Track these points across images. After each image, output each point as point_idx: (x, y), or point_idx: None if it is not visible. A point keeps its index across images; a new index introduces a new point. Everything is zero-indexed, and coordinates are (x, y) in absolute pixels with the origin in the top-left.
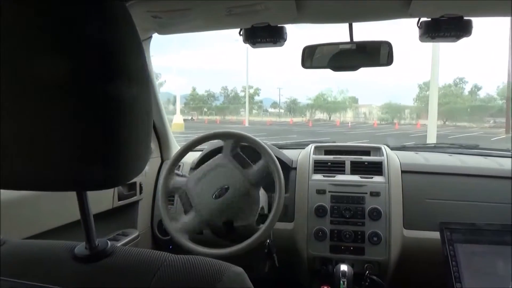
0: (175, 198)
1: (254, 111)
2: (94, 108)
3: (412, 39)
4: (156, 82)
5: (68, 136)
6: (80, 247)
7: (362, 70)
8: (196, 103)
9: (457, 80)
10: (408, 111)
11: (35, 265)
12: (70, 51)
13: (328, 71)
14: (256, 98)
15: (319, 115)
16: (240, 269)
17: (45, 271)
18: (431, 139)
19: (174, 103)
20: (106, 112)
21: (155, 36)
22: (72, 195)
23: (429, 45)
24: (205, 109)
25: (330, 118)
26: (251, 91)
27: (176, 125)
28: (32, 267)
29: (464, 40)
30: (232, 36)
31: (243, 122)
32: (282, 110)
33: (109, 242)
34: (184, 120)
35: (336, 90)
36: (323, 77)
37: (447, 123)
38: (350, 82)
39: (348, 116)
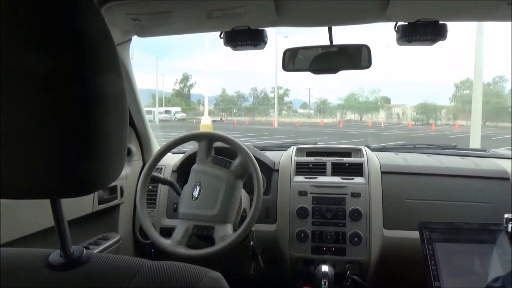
0: (156, 201)
1: (283, 112)
2: (64, 107)
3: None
4: (188, 83)
5: (39, 141)
6: (54, 255)
7: (396, 69)
8: (225, 104)
9: (497, 79)
10: (444, 111)
11: (7, 273)
12: (39, 47)
13: (360, 72)
14: (286, 99)
15: (350, 115)
16: (218, 274)
17: (18, 280)
18: (475, 141)
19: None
20: (77, 110)
21: (188, 39)
22: (46, 201)
23: (470, 42)
24: (234, 110)
25: (361, 118)
26: (281, 92)
27: (204, 126)
28: (4, 276)
29: (503, 37)
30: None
31: (273, 123)
32: (312, 111)
33: (84, 250)
34: (213, 121)
35: (367, 90)
36: (354, 78)
37: (487, 123)
38: (382, 81)
39: (381, 117)
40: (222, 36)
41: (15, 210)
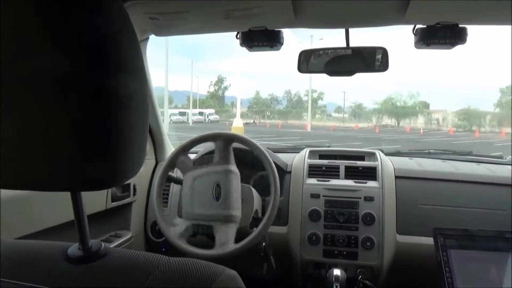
0: (168, 200)
1: (317, 116)
2: (90, 106)
3: (490, 40)
4: (222, 86)
5: (63, 135)
6: (73, 248)
7: (436, 71)
8: (259, 106)
9: None
10: (489, 117)
11: (27, 265)
12: (67, 48)
13: (402, 73)
14: (320, 102)
15: (387, 120)
16: (234, 272)
17: (37, 272)
18: None
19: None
20: (103, 110)
21: (223, 41)
22: (66, 195)
23: None
24: (267, 112)
25: (398, 124)
26: (315, 95)
27: (236, 129)
28: (24, 268)
29: None
30: (296, 39)
31: (306, 126)
32: (346, 115)
33: (103, 244)
34: (246, 123)
35: (406, 94)
36: (393, 81)
37: None
38: (422, 85)
39: (419, 122)
40: (238, 36)
41: (34, 204)
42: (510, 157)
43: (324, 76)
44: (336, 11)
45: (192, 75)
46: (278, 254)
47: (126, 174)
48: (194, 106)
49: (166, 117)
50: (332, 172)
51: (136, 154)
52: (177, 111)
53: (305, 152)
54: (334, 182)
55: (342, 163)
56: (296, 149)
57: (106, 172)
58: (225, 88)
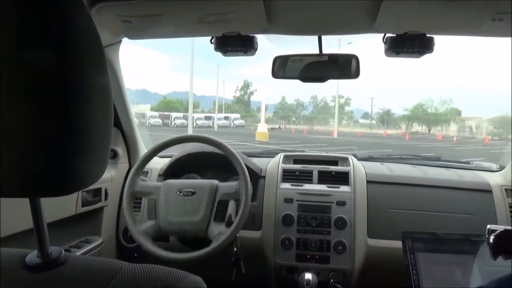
0: (142, 205)
1: (343, 122)
2: (45, 109)
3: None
4: (248, 91)
5: (19, 138)
6: (32, 255)
7: (471, 78)
8: (284, 112)
9: None
10: None
11: None
12: (30, 43)
13: (433, 78)
14: (347, 108)
15: (417, 127)
16: (198, 278)
17: None
18: None
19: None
20: (61, 111)
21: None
22: (25, 201)
23: None
24: (293, 118)
25: (429, 131)
26: (342, 100)
27: (260, 134)
28: None
29: None
30: (345, 39)
31: (332, 132)
32: (374, 121)
33: (63, 251)
34: (271, 128)
35: (437, 100)
36: (421, 88)
37: None
38: (454, 90)
39: (451, 130)
40: (213, 41)
41: None
42: (476, 162)
43: (352, 81)
44: (307, 19)
45: (218, 80)
46: (252, 259)
47: (87, 180)
48: (220, 111)
49: (190, 121)
50: (306, 177)
51: (98, 157)
52: (202, 115)
53: (280, 156)
54: (307, 186)
55: (315, 168)
56: (271, 154)
57: (66, 177)
58: (251, 93)
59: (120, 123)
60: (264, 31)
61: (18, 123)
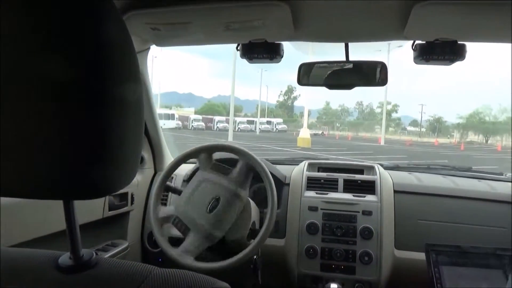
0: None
1: (390, 129)
2: (82, 112)
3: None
4: (292, 96)
5: (54, 141)
6: (64, 257)
7: None
8: (328, 117)
9: None
10: None
11: (17, 273)
12: (65, 55)
13: (490, 85)
14: (394, 115)
15: (472, 136)
16: (225, 285)
17: (27, 280)
18: None
19: (308, 116)
20: (95, 115)
21: (292, 51)
22: (59, 204)
23: None
24: (337, 124)
25: (487, 141)
26: (389, 107)
27: (302, 140)
28: (14, 276)
29: None
30: (374, 46)
31: (379, 140)
32: (423, 129)
33: (94, 253)
34: (314, 134)
35: (496, 108)
36: (481, 92)
37: None
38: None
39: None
40: (239, 48)
41: (27, 212)
42: (510, 174)
43: (401, 88)
44: (335, 26)
45: (261, 85)
46: (275, 267)
47: (119, 183)
48: (263, 115)
49: (231, 125)
50: (331, 185)
51: (130, 162)
52: (245, 119)
53: (304, 164)
54: (332, 195)
55: (340, 176)
56: (295, 161)
57: (99, 181)
58: (295, 98)
59: (146, 130)
60: (290, 38)
61: (58, 128)
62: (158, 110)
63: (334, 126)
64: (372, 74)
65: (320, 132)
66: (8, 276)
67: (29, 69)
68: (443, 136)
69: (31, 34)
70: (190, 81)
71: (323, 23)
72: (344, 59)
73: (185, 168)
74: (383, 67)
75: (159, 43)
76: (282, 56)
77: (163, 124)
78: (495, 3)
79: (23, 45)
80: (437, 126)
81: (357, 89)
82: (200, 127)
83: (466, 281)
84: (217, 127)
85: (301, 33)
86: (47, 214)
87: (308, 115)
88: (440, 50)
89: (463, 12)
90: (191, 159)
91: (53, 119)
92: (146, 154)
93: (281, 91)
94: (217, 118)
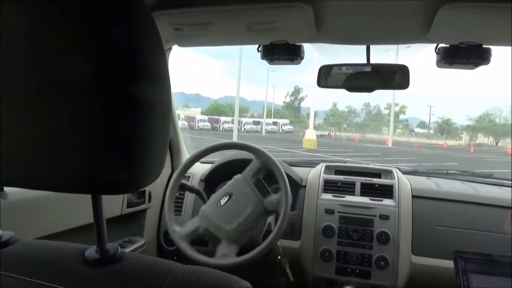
0: (182, 208)
1: (398, 130)
2: (114, 110)
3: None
4: (299, 96)
5: (86, 138)
6: (91, 251)
7: None
8: (335, 118)
9: None
10: None
11: (45, 265)
12: (93, 52)
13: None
14: (401, 116)
15: (481, 139)
16: (247, 284)
17: (54, 272)
18: None
19: (314, 117)
20: (126, 114)
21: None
22: (84, 198)
23: None
24: (344, 125)
25: (497, 143)
26: (397, 108)
27: (307, 141)
28: (42, 267)
29: None
30: (382, 47)
31: (386, 141)
32: (431, 131)
33: (119, 248)
34: (321, 135)
35: (507, 109)
36: (491, 94)
37: None
38: None
39: None
40: (260, 49)
41: (54, 206)
42: None
43: (410, 89)
44: (357, 27)
45: (268, 85)
46: (290, 269)
47: (145, 180)
48: (269, 116)
49: (236, 126)
50: (348, 188)
51: (156, 161)
52: (251, 120)
53: (321, 167)
54: (349, 198)
55: (358, 180)
56: (311, 164)
57: (126, 177)
58: (301, 99)
59: None
60: (312, 39)
61: (85, 128)
62: None
63: (341, 127)
64: (392, 77)
65: (326, 133)
66: (36, 268)
67: (59, 69)
68: (452, 138)
69: (58, 34)
70: (197, 81)
71: (345, 24)
72: (363, 61)
73: (202, 168)
74: (404, 70)
75: (181, 43)
76: (302, 58)
77: None
78: None
79: (50, 44)
80: (446, 128)
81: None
82: (206, 127)
83: None
84: (223, 127)
85: (322, 34)
86: (71, 208)
87: (315, 116)
88: (464, 54)
89: (489, 15)
90: (204, 159)
91: (84, 117)
92: None
93: (288, 92)
94: (223, 118)
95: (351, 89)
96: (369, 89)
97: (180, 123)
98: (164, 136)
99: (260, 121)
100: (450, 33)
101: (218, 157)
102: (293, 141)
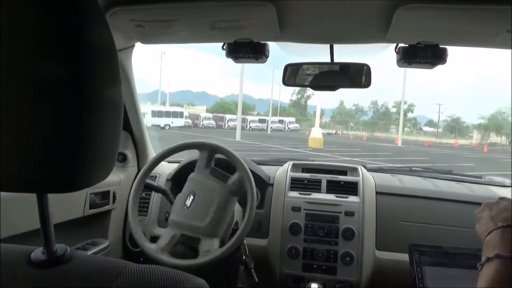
0: (149, 209)
1: (406, 129)
2: (57, 108)
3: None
4: (305, 94)
5: (30, 136)
6: (37, 252)
7: None
8: (342, 117)
9: None
10: None
11: None
12: (48, 53)
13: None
14: (410, 115)
15: (494, 138)
16: (202, 281)
17: None
18: None
19: (321, 116)
20: (70, 112)
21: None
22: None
23: None
24: (351, 123)
25: (510, 142)
26: (405, 106)
27: (313, 140)
28: None
29: None
30: (359, 47)
31: (395, 140)
32: (440, 130)
33: (68, 248)
34: (327, 134)
35: None
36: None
37: None
38: None
39: None
40: (224, 47)
41: (4, 209)
42: (489, 177)
43: (418, 87)
44: (320, 27)
45: (273, 83)
46: (257, 267)
47: (93, 178)
48: (275, 114)
49: (238, 124)
50: (314, 186)
51: (107, 158)
52: (257, 118)
53: (288, 165)
54: (315, 195)
55: (324, 177)
56: (279, 162)
57: (72, 175)
58: (308, 97)
59: (130, 127)
60: (276, 38)
61: (30, 123)
62: (167, 107)
63: (348, 125)
64: (357, 75)
65: (333, 131)
66: None
67: (11, 67)
68: (461, 137)
69: (17, 33)
70: (204, 79)
71: (307, 24)
72: (329, 60)
73: (169, 167)
74: (367, 69)
75: (144, 41)
76: (267, 57)
77: (171, 122)
78: (476, 8)
79: (7, 44)
80: (456, 127)
81: (372, 88)
82: (210, 125)
83: (448, 282)
84: (228, 125)
85: (286, 34)
86: (21, 212)
87: (322, 115)
88: (422, 54)
89: (444, 17)
90: (170, 158)
91: (29, 114)
92: (130, 152)
93: (294, 90)
94: (228, 116)
95: (316, 87)
96: (334, 87)
97: (185, 121)
98: (114, 134)
99: (266, 119)
100: (408, 33)
101: (185, 157)
102: (299, 140)
